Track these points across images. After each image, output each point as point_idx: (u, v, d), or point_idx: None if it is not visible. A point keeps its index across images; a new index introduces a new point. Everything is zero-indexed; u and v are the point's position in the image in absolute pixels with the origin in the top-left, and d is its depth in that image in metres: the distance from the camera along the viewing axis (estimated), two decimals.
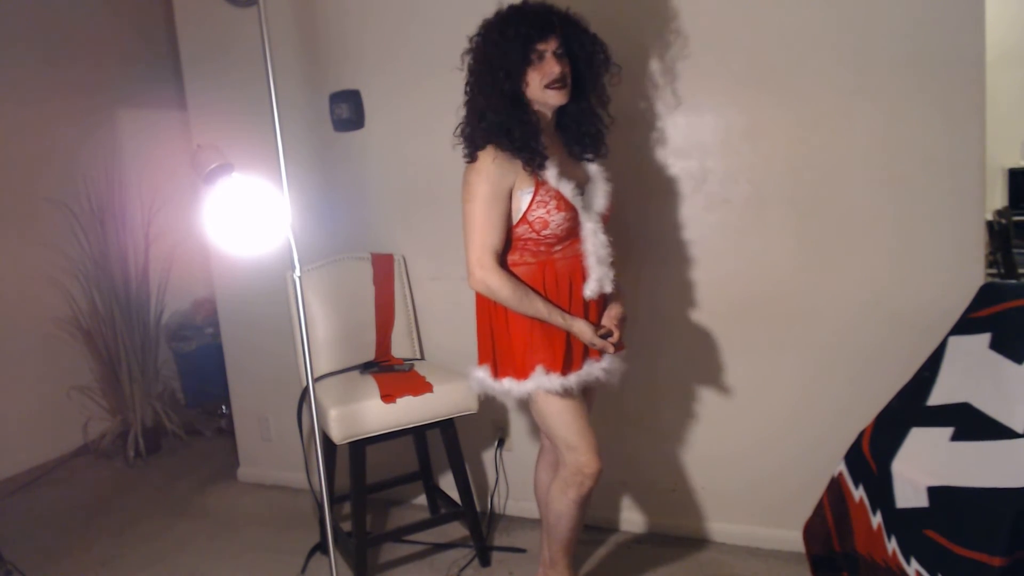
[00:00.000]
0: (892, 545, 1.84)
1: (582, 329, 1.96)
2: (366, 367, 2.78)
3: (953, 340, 1.99)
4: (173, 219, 3.94)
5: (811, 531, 2.16)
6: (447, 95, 2.74)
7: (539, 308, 1.94)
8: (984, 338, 1.92)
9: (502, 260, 1.97)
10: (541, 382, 1.96)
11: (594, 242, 1.97)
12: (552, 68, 1.89)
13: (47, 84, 3.84)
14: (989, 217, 3.54)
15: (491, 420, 2.89)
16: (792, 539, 2.42)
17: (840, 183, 2.31)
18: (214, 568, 2.74)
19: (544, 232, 1.93)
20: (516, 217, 1.94)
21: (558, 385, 1.96)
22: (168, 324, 4.23)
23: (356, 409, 2.44)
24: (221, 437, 4.02)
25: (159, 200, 3.98)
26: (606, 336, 1.99)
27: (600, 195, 2.04)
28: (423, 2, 2.75)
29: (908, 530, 1.79)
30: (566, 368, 1.98)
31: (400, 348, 2.89)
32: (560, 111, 2.00)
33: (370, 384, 2.58)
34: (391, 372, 2.72)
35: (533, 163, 1.91)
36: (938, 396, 1.93)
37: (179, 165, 3.28)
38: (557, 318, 1.95)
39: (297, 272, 2.14)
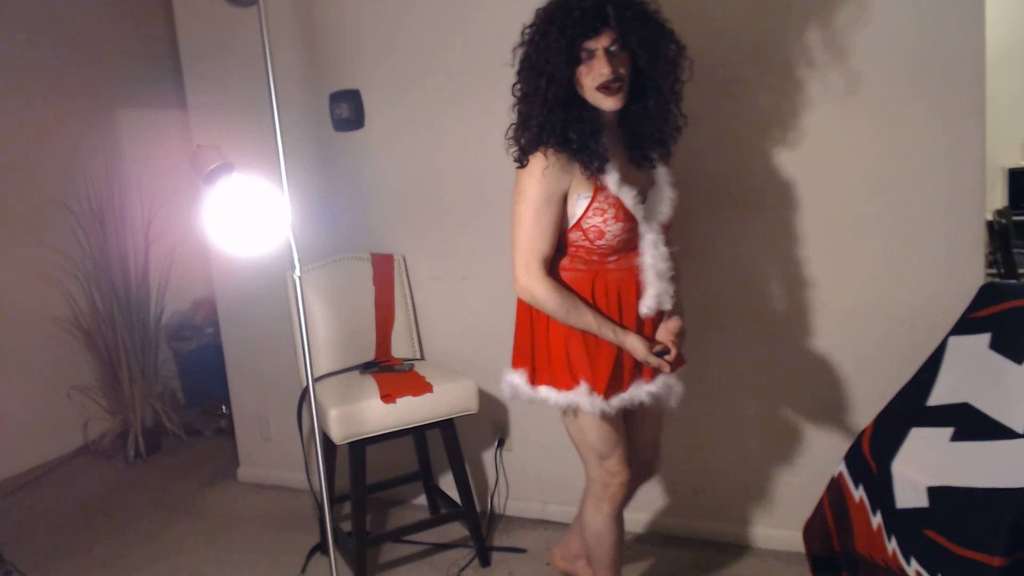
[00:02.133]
0: (892, 545, 1.84)
1: (635, 345, 1.80)
2: (366, 367, 2.78)
3: (953, 340, 1.99)
4: (173, 219, 3.94)
5: (811, 531, 2.15)
6: (447, 95, 2.76)
7: (589, 321, 1.79)
8: (984, 338, 1.92)
9: (553, 264, 1.83)
10: (581, 400, 1.84)
11: (654, 255, 1.81)
12: (601, 69, 1.69)
13: (47, 84, 3.83)
14: (989, 217, 3.54)
15: (491, 420, 2.89)
16: (792, 539, 2.42)
17: (840, 183, 2.31)
18: (214, 568, 2.74)
19: (599, 242, 1.78)
20: (571, 222, 1.79)
21: (597, 409, 1.84)
22: (168, 324, 4.23)
23: (356, 409, 2.44)
24: (221, 437, 4.02)
25: (159, 200, 3.98)
26: (662, 354, 1.83)
27: (664, 203, 1.86)
28: (423, 2, 2.75)
29: (908, 530, 1.79)
30: (611, 389, 1.85)
31: (400, 348, 2.89)
32: (623, 108, 1.79)
33: (370, 384, 2.58)
34: (391, 372, 2.72)
35: (592, 167, 1.75)
36: (938, 396, 1.93)
37: (179, 165, 3.28)
38: (608, 332, 1.80)
39: (297, 272, 2.14)
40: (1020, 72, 4.28)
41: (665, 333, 1.89)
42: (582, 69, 1.71)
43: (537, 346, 1.90)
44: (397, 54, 2.82)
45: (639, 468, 2.07)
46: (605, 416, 1.87)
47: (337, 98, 2.92)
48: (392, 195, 2.94)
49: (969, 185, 2.18)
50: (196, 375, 4.25)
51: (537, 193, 1.76)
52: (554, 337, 1.86)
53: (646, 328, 1.88)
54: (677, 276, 1.92)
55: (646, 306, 1.83)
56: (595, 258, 1.82)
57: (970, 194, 2.19)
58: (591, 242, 1.79)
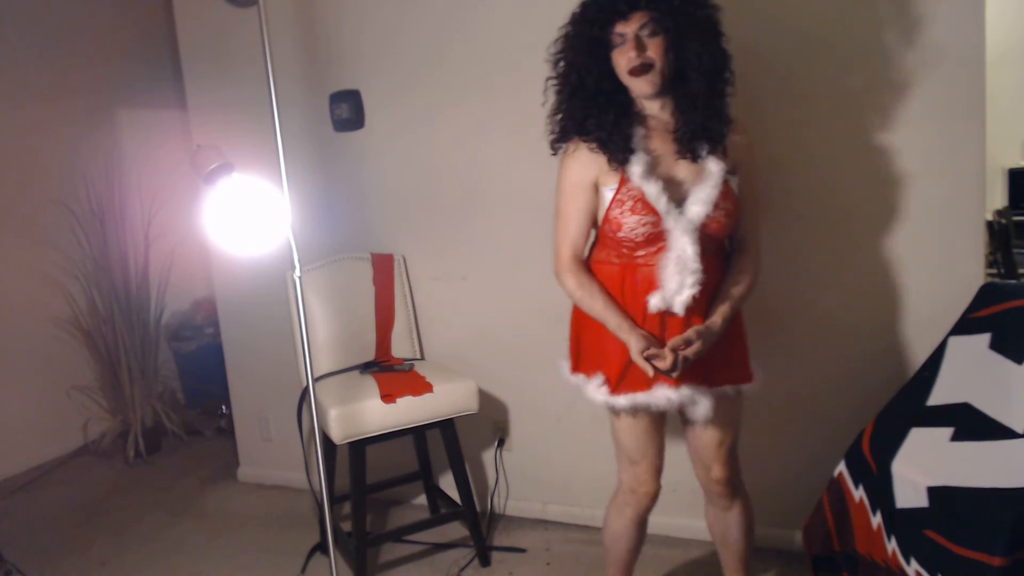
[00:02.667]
0: (892, 545, 1.84)
1: (631, 342, 1.73)
2: (366, 367, 2.78)
3: (953, 340, 1.99)
4: (173, 219, 3.94)
5: (811, 531, 2.15)
6: (447, 95, 2.76)
7: (598, 309, 1.77)
8: (984, 338, 1.92)
9: (590, 253, 1.87)
10: (589, 390, 1.85)
11: (679, 254, 1.71)
12: (628, 53, 1.67)
13: (47, 84, 3.84)
14: (989, 217, 3.54)
15: (491, 420, 2.89)
16: (792, 539, 2.42)
17: (839, 183, 2.31)
18: (214, 568, 2.74)
19: (618, 235, 1.75)
20: (601, 213, 1.79)
21: (601, 401, 1.83)
22: (168, 324, 4.23)
23: (356, 409, 2.44)
24: (221, 437, 4.02)
25: (159, 200, 3.99)
26: (653, 358, 1.70)
27: (699, 202, 1.72)
28: (423, 2, 2.75)
29: (908, 530, 1.79)
30: (623, 385, 1.81)
31: (400, 348, 2.89)
32: (675, 95, 1.74)
33: (370, 384, 2.58)
34: (391, 372, 2.72)
35: (616, 157, 1.72)
36: (938, 396, 1.93)
37: (179, 165, 3.28)
38: (612, 322, 1.76)
39: (297, 272, 2.14)
40: (1020, 72, 4.28)
41: (676, 338, 1.73)
42: (615, 54, 1.70)
43: (579, 335, 1.92)
44: (397, 54, 2.82)
45: (703, 479, 2.03)
46: (638, 420, 1.86)
47: (337, 98, 2.92)
48: (392, 195, 2.94)
49: (969, 185, 2.18)
50: (196, 375, 4.25)
51: (566, 183, 1.81)
52: (587, 325, 1.87)
53: (670, 329, 1.77)
54: (732, 284, 1.82)
55: (652, 304, 1.74)
56: (624, 251, 1.79)
57: (970, 194, 2.19)
58: (613, 234, 1.77)
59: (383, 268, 2.88)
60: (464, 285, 2.87)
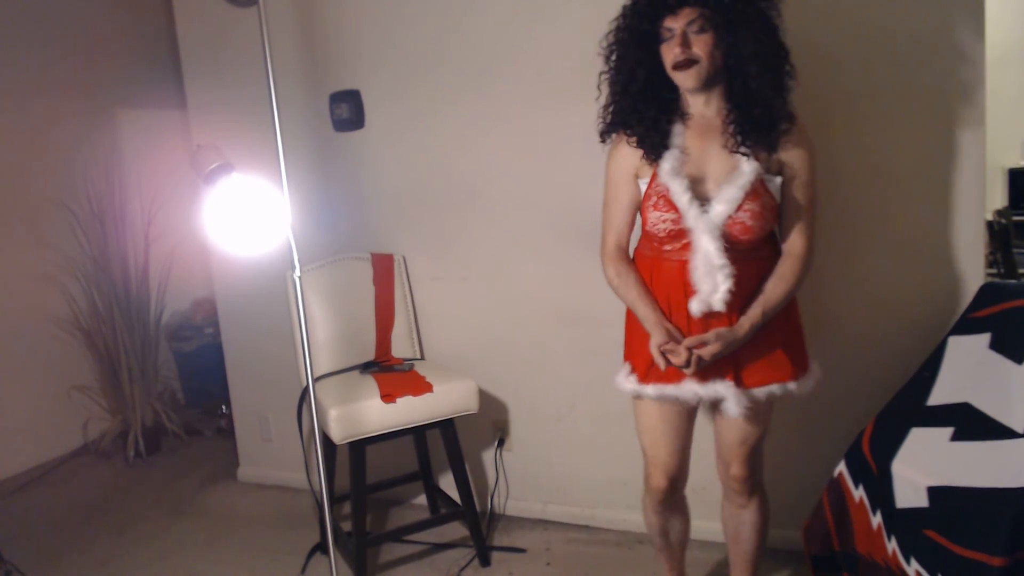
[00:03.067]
0: (892, 545, 1.84)
1: (652, 335, 1.76)
2: (366, 367, 2.78)
3: (953, 340, 1.99)
4: (173, 219, 3.94)
5: (811, 531, 2.16)
6: (447, 94, 2.76)
7: (631, 298, 1.83)
8: (984, 338, 1.92)
9: (637, 246, 1.92)
10: (619, 379, 1.90)
11: (704, 253, 1.71)
12: (673, 48, 1.67)
13: (46, 84, 3.83)
14: (989, 217, 3.54)
15: (491, 420, 2.89)
16: (792, 539, 2.42)
17: (839, 183, 2.31)
18: (214, 568, 2.74)
19: (647, 228, 1.81)
20: (640, 206, 1.84)
21: (630, 389, 1.88)
22: (168, 324, 4.23)
23: (356, 409, 2.44)
24: (221, 437, 4.01)
25: (159, 200, 3.99)
26: (668, 353, 1.73)
27: (723, 202, 1.71)
28: (422, 1, 2.75)
29: (908, 530, 1.79)
30: (652, 375, 1.83)
31: (400, 348, 2.89)
32: (729, 90, 1.74)
33: (370, 384, 2.58)
34: (391, 372, 2.72)
35: (651, 152, 1.76)
36: (938, 396, 1.93)
37: (179, 165, 3.28)
38: (641, 311, 1.81)
39: (297, 272, 2.14)
40: (1020, 72, 4.27)
41: (696, 336, 1.75)
42: (663, 48, 1.71)
43: (626, 324, 1.96)
44: (397, 54, 2.82)
45: (722, 475, 2.04)
46: (653, 415, 1.89)
47: (337, 98, 2.92)
48: (392, 195, 2.94)
49: (969, 185, 2.18)
50: (196, 375, 4.25)
51: (609, 173, 1.88)
52: (630, 316, 1.91)
53: (695, 328, 1.78)
54: (766, 288, 1.78)
55: (694, 309, 1.75)
56: (655, 244, 1.83)
57: (970, 194, 2.19)
58: (643, 228, 1.83)
59: (383, 268, 2.88)
60: (464, 285, 2.87)
